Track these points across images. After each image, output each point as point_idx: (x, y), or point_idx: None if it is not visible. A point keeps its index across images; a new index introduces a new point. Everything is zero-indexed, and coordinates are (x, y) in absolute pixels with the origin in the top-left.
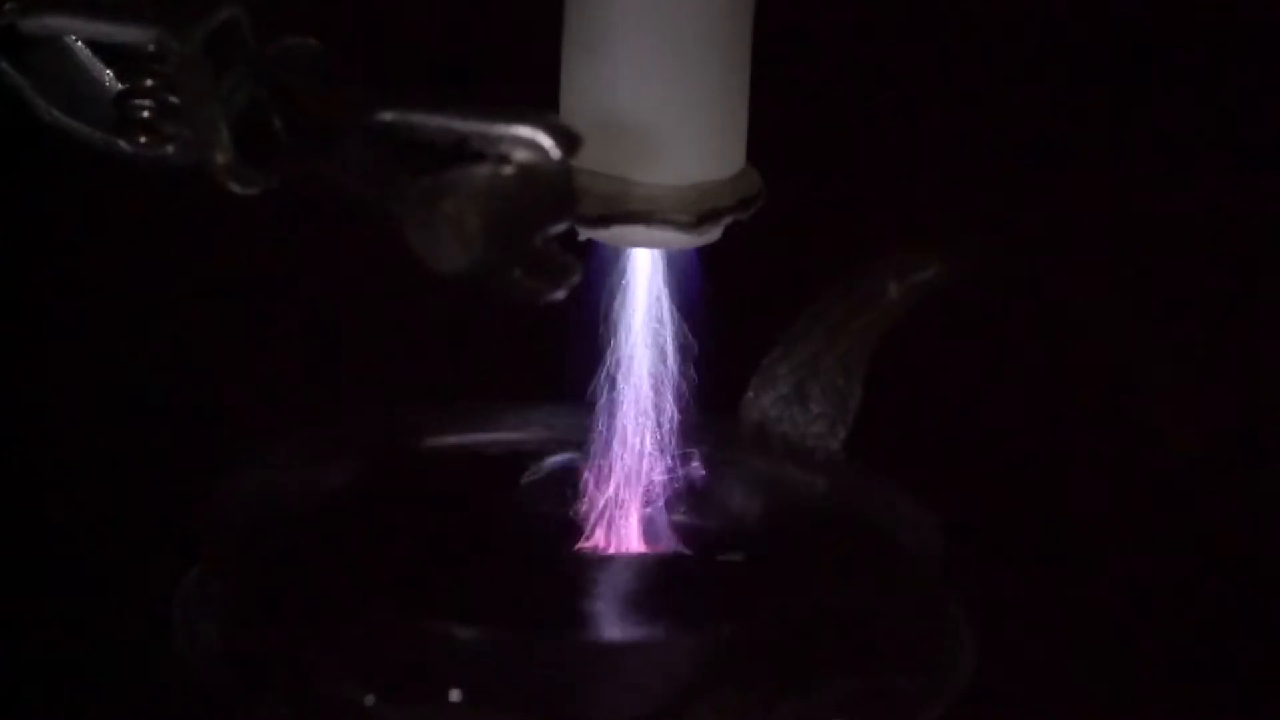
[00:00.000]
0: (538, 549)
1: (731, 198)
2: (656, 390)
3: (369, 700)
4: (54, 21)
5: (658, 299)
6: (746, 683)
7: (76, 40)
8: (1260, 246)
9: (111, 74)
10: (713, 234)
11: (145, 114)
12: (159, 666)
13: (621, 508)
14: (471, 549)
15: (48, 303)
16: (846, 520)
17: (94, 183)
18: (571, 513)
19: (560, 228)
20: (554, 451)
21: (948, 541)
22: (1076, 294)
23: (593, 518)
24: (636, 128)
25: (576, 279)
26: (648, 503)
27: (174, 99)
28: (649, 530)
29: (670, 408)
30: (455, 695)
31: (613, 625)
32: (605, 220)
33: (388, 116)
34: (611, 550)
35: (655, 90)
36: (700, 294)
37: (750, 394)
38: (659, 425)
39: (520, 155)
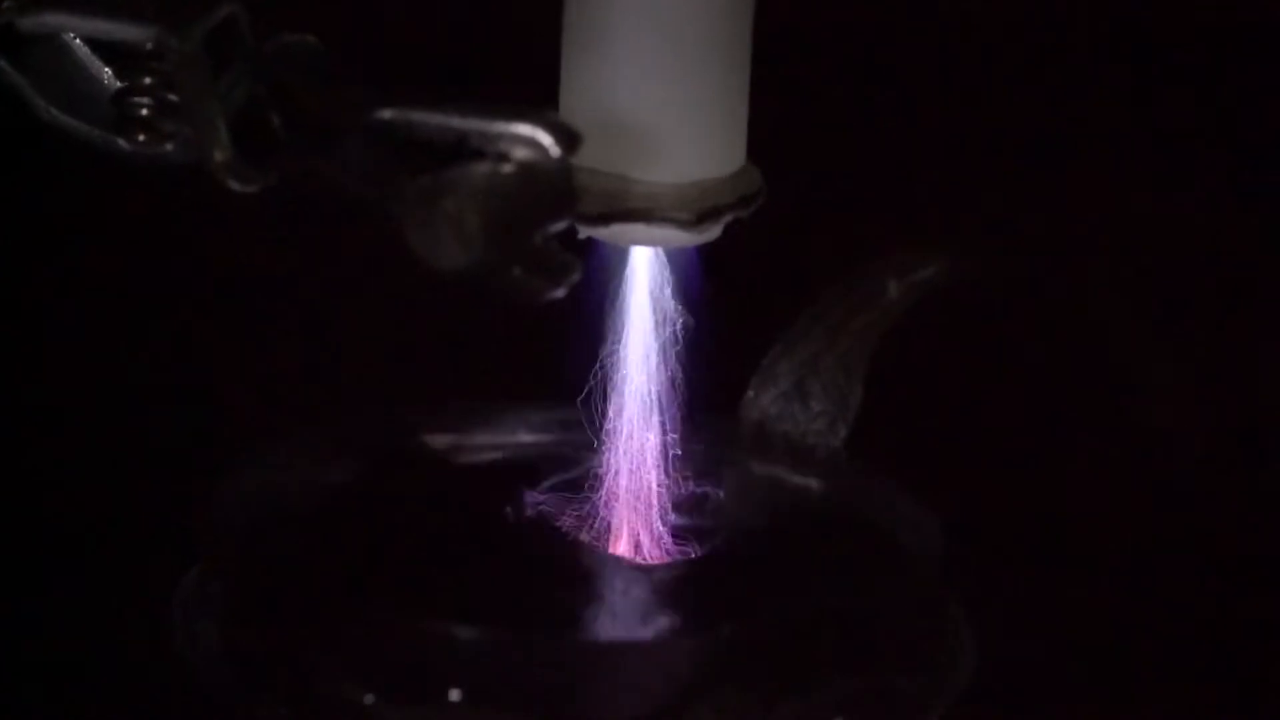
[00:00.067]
0: (538, 549)
1: (732, 195)
2: (657, 389)
3: (368, 699)
4: (52, 19)
5: (658, 297)
6: (746, 683)
7: (75, 38)
8: (1260, 246)
9: (110, 72)
10: (713, 232)
11: (144, 112)
12: (159, 666)
13: (621, 505)
14: (471, 549)
15: (48, 303)
16: (846, 520)
17: (94, 183)
18: (571, 512)
19: (560, 226)
20: (553, 451)
21: (948, 541)
22: (1076, 294)
23: (593, 516)
24: (636, 125)
25: (576, 277)
26: (648, 502)
27: (173, 97)
28: (649, 530)
29: (671, 406)
30: (455, 695)
31: (613, 625)
32: (605, 218)
33: (387, 114)
34: (612, 550)
35: (655, 88)
36: (700, 293)
37: (750, 393)
38: (659, 424)
39: (520, 153)
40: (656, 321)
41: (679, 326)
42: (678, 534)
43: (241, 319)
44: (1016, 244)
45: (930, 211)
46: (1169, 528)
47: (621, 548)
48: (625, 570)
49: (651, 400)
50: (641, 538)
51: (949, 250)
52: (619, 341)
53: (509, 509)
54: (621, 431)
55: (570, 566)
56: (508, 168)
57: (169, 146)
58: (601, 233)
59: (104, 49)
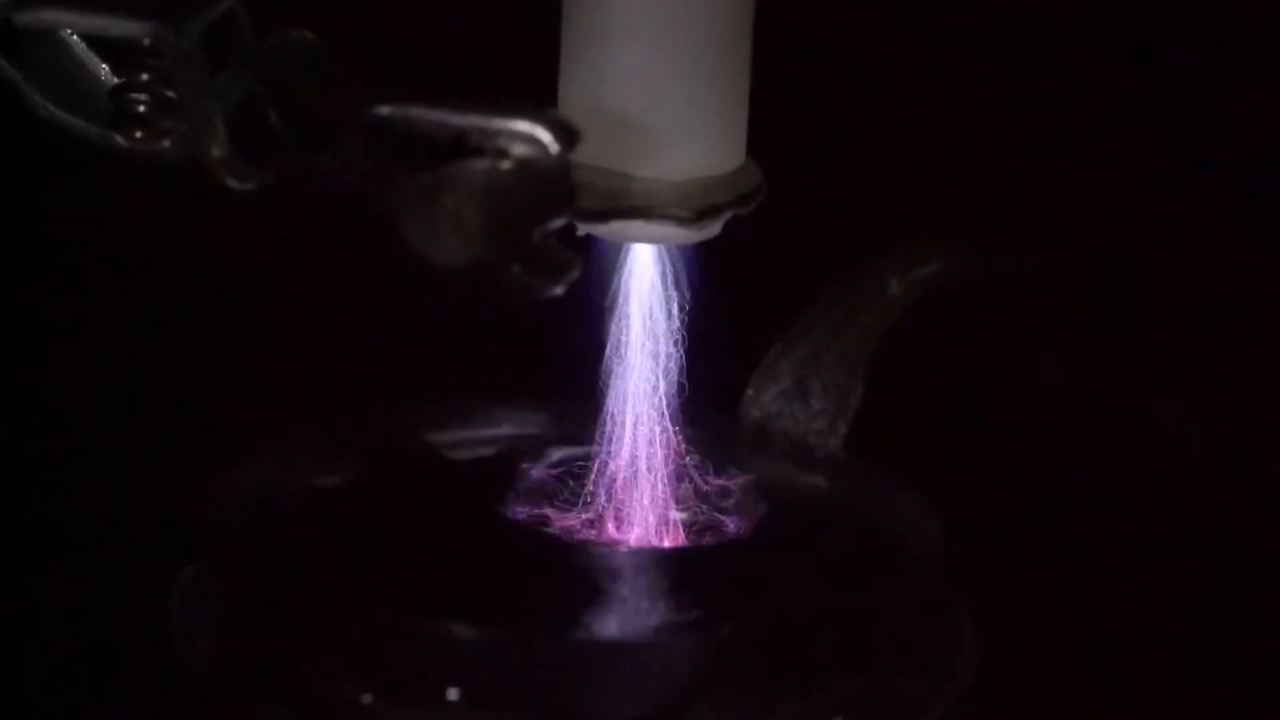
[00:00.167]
0: (538, 548)
1: (731, 193)
2: (656, 386)
3: (366, 699)
4: (49, 15)
5: (657, 295)
6: (746, 683)
7: (72, 34)
8: (1260, 246)
9: (107, 68)
10: (712, 229)
11: (141, 108)
12: (158, 666)
13: (621, 505)
14: (471, 549)
15: (48, 303)
16: (847, 520)
17: (94, 183)
18: (571, 511)
19: (559, 223)
20: (552, 449)
21: (948, 541)
22: (1076, 294)
23: (593, 515)
24: (636, 122)
25: (576, 274)
26: (648, 500)
27: (170, 93)
28: (649, 528)
29: (670, 404)
30: (453, 694)
31: (613, 625)
32: (604, 215)
33: (385, 111)
34: (611, 549)
35: (654, 84)
36: (700, 292)
37: (750, 391)
38: (659, 422)
39: (519, 150)
40: (656, 319)
41: (679, 330)
42: (678, 532)
43: (240, 318)
44: (1016, 244)
45: (930, 211)
46: (1169, 528)
47: (621, 546)
48: (625, 570)
49: (651, 398)
50: (642, 535)
51: (949, 249)
52: (619, 339)
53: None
54: (621, 429)
55: (570, 566)
56: (507, 164)
57: (166, 143)
58: (601, 230)
59: (101, 45)
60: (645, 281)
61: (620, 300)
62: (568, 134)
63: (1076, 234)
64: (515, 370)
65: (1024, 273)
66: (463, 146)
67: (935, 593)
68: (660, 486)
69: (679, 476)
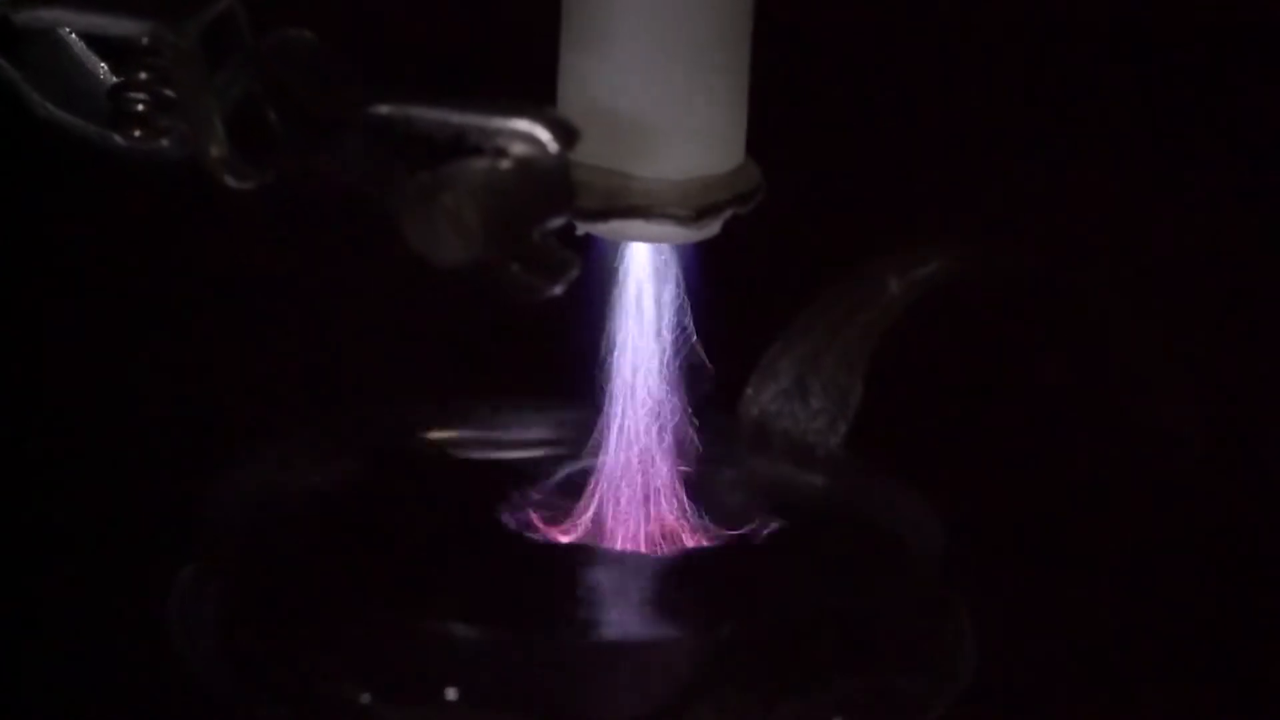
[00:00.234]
0: (538, 549)
1: (731, 192)
2: (655, 386)
3: (365, 699)
4: (48, 14)
5: (656, 294)
6: (746, 683)
7: (71, 33)
8: (1260, 246)
9: (106, 67)
10: (712, 228)
11: (140, 107)
12: (157, 666)
13: (621, 505)
14: (471, 549)
15: (48, 303)
16: (847, 520)
17: (94, 183)
18: (570, 511)
19: (558, 222)
20: (552, 449)
21: (948, 541)
22: (1077, 294)
23: (592, 515)
24: (635, 121)
25: (575, 274)
26: (648, 499)
27: (169, 92)
28: (649, 528)
29: (670, 404)
30: (451, 694)
31: (613, 625)
32: (603, 214)
33: (384, 110)
34: (611, 549)
35: (654, 83)
36: (700, 291)
37: (750, 390)
38: (658, 421)
39: (518, 149)
40: (655, 318)
41: (679, 330)
42: (677, 531)
43: (240, 318)
44: (1016, 244)
45: (930, 211)
46: (1169, 528)
47: (621, 546)
48: (625, 570)
49: (650, 397)
50: (641, 535)
51: (949, 249)
52: (618, 338)
53: (511, 499)
54: (620, 429)
55: (570, 566)
56: (506, 163)
57: (165, 142)
58: (600, 229)
59: (100, 44)
60: (644, 281)
61: (619, 299)
62: (567, 133)
63: (1076, 234)
64: (514, 370)
65: (1024, 273)
66: (462, 146)
67: (935, 593)
68: (659, 486)
69: (678, 475)
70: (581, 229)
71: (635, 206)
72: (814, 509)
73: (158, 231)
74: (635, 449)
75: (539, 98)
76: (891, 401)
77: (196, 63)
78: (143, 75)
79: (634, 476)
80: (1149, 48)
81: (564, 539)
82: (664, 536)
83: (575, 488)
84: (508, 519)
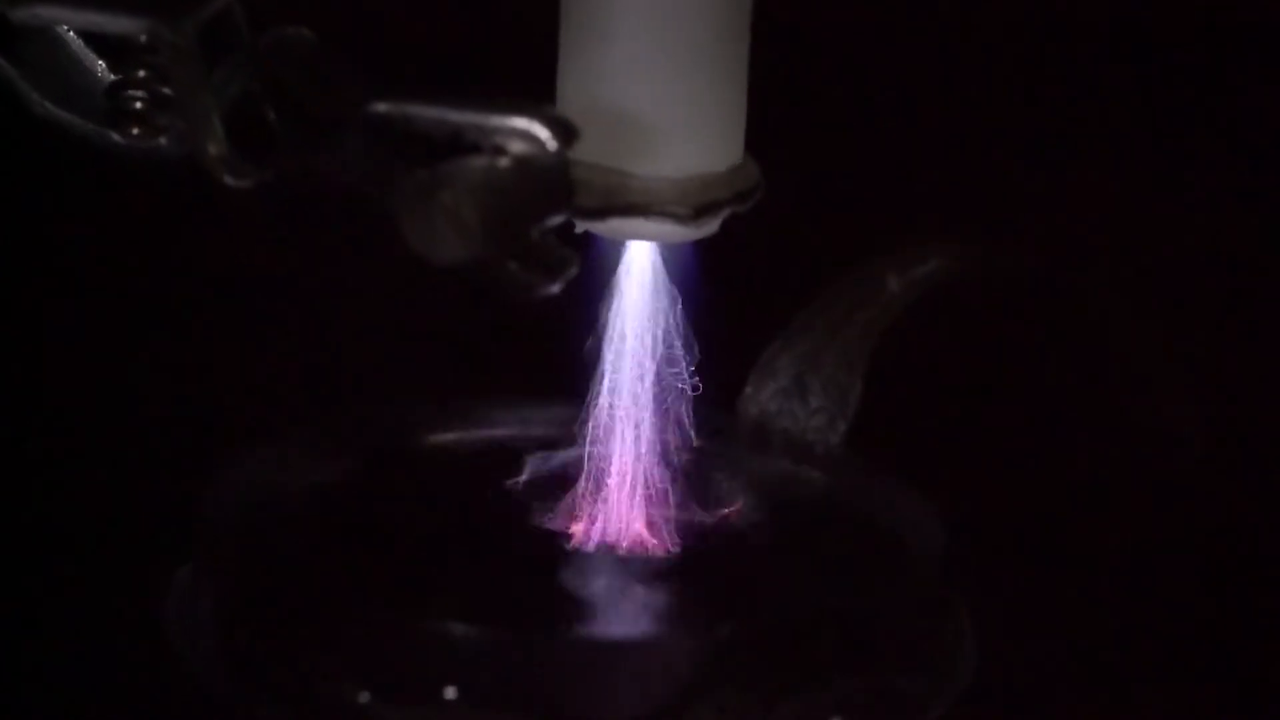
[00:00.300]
0: (538, 548)
1: (730, 190)
2: (654, 385)
3: (363, 698)
4: (45, 12)
5: (655, 292)
6: (746, 683)
7: (68, 31)
8: (1260, 246)
9: (104, 65)
10: (711, 226)
11: (138, 105)
12: (156, 666)
13: (620, 504)
14: (470, 548)
15: (48, 303)
16: (847, 519)
17: (94, 183)
18: (570, 509)
19: (557, 220)
20: (551, 447)
21: (949, 541)
22: (1077, 294)
23: (591, 514)
24: (633, 119)
25: (574, 272)
26: (647, 499)
27: (167, 90)
28: (648, 527)
29: (669, 403)
30: (450, 693)
31: (613, 625)
32: (602, 212)
33: (383, 108)
34: (610, 548)
35: (652, 81)
36: (699, 291)
37: (749, 388)
38: (657, 420)
39: (516, 147)
40: (654, 316)
41: (678, 328)
42: (677, 530)
43: (240, 318)
44: (1016, 244)
45: (930, 211)
46: (1169, 528)
47: (620, 545)
48: (625, 569)
49: (649, 396)
50: (641, 534)
51: (950, 247)
52: (616, 337)
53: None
54: (620, 427)
55: (569, 565)
56: (504, 162)
57: (163, 140)
58: (599, 227)
59: (98, 42)
60: (643, 279)
61: (618, 298)
62: (566, 131)
63: (1076, 234)
64: (513, 368)
65: (1024, 273)
66: (460, 144)
67: (935, 593)
68: (658, 485)
69: (677, 474)
70: (580, 227)
71: (634, 204)
72: (814, 509)
73: (158, 231)
74: (633, 446)
75: (538, 96)
76: (891, 401)
77: (194, 61)
78: (141, 73)
79: (632, 474)
80: (1149, 48)
81: (562, 537)
82: (662, 534)
83: (573, 485)
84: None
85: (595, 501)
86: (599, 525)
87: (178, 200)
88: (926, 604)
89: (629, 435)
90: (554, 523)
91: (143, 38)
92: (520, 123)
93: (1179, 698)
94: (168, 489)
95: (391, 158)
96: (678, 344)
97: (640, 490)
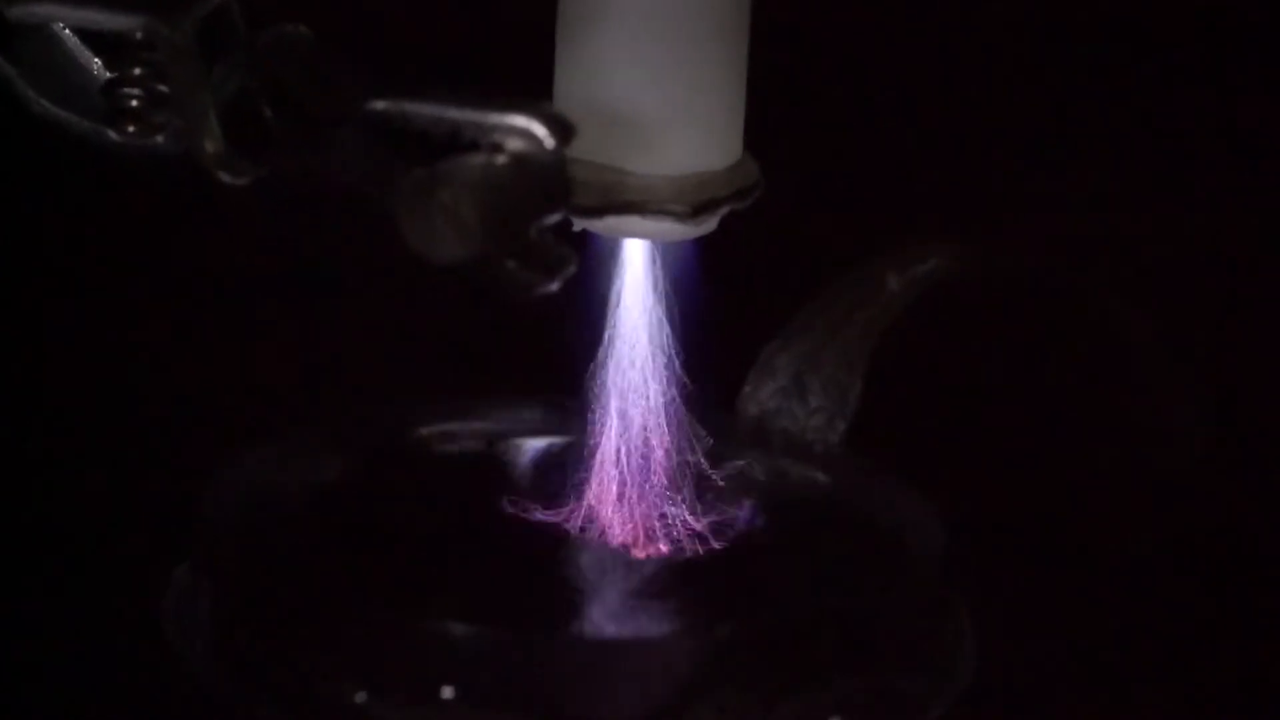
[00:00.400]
0: (537, 548)
1: (728, 188)
2: (653, 383)
3: (359, 697)
4: (42, 9)
5: (654, 291)
6: (746, 683)
7: (65, 28)
8: (1260, 246)
9: (100, 63)
10: (709, 224)
11: (134, 103)
12: (156, 666)
13: (618, 502)
14: (470, 548)
15: (48, 303)
16: (847, 519)
17: (94, 182)
18: (568, 509)
19: (555, 218)
20: (549, 448)
21: (949, 541)
22: (1077, 294)
23: (590, 514)
24: (632, 117)
25: (572, 270)
26: (646, 498)
27: (163, 88)
28: (648, 527)
29: (667, 401)
30: (447, 693)
31: (613, 624)
32: (600, 210)
33: (381, 106)
34: (610, 548)
35: (650, 79)
36: (698, 290)
37: (748, 387)
38: (656, 419)
39: (514, 145)
40: (652, 315)
41: (676, 327)
42: (676, 529)
43: (238, 317)
44: (1016, 244)
45: (930, 211)
46: (1169, 528)
47: (619, 544)
48: (625, 569)
49: (648, 394)
50: (640, 533)
51: (949, 246)
52: (614, 335)
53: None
54: (618, 426)
55: (569, 565)
56: (502, 159)
57: (160, 138)
58: (597, 225)
59: (94, 39)
60: (641, 277)
61: (616, 296)
62: (563, 129)
63: (1076, 234)
64: (512, 367)
65: (1024, 273)
66: (458, 142)
67: (935, 593)
68: (657, 483)
69: (676, 473)
70: (578, 225)
71: (632, 203)
72: (814, 509)
73: (158, 231)
74: (632, 445)
75: (535, 93)
76: (891, 401)
77: (191, 58)
78: (137, 71)
79: (631, 472)
80: (1149, 48)
81: (562, 536)
82: (661, 532)
83: (572, 484)
84: (513, 509)
85: (594, 501)
86: (598, 525)
87: (177, 200)
88: (926, 604)
89: (628, 434)
90: (553, 522)
91: (139, 35)
92: (518, 120)
93: (1179, 698)
94: (167, 489)
95: (389, 156)
96: (676, 343)
97: (640, 489)
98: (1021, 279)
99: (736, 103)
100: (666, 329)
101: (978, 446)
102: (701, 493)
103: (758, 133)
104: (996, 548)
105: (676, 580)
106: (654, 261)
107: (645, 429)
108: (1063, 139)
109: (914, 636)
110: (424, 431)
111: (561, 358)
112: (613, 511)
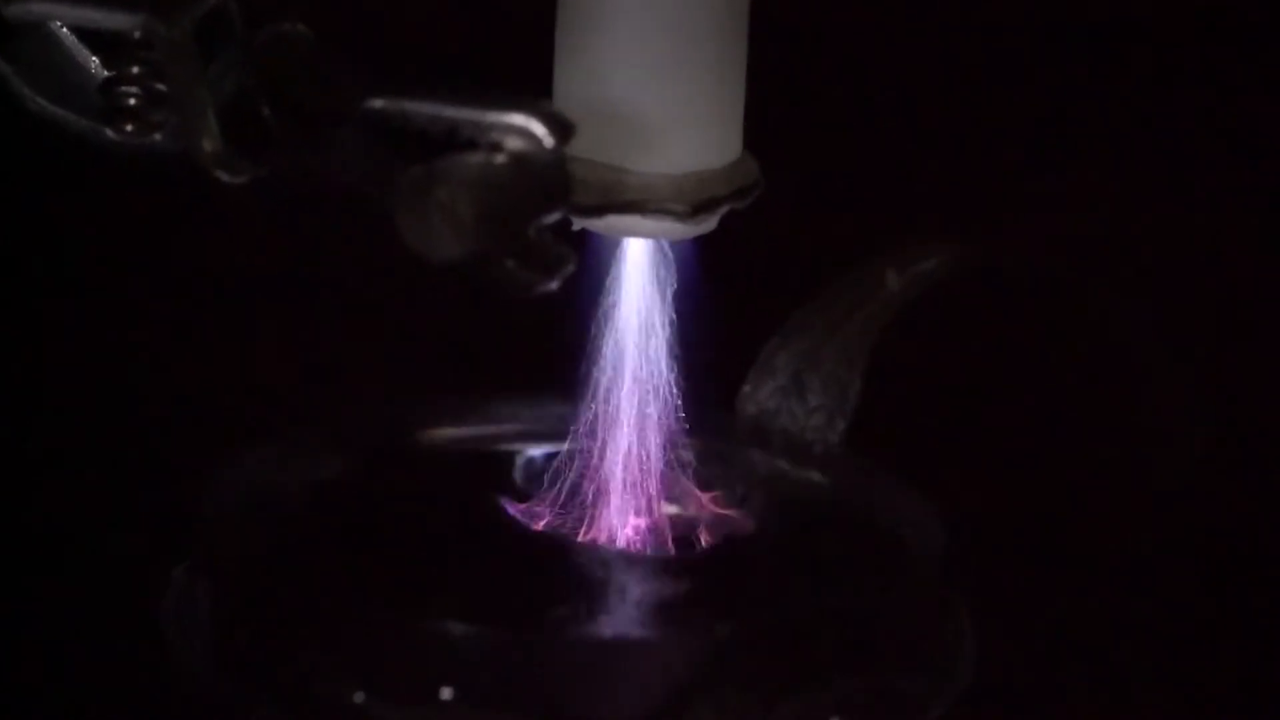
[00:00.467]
0: (537, 548)
1: (728, 186)
2: (652, 383)
3: (358, 698)
4: (39, 8)
5: (653, 290)
6: (746, 683)
7: (62, 27)
8: (1260, 246)
9: (98, 61)
10: (709, 223)
11: (132, 101)
12: (153, 666)
13: (619, 503)
14: (470, 548)
15: (48, 303)
16: (847, 519)
17: (94, 182)
18: (568, 509)
19: (553, 217)
20: (550, 446)
21: (948, 541)
22: (1077, 293)
23: (590, 514)
24: (631, 115)
25: (571, 269)
26: (646, 498)
27: (161, 86)
28: (647, 526)
29: (666, 401)
30: (446, 693)
31: (612, 624)
32: (599, 209)
33: (379, 104)
34: (610, 548)
35: (650, 77)
36: (698, 289)
37: (747, 387)
38: (654, 419)
39: (513, 143)
40: (651, 314)
41: (676, 326)
42: (675, 528)
43: (238, 317)
44: (1016, 244)
45: (930, 211)
46: (1169, 528)
47: (619, 544)
48: (625, 569)
49: (647, 394)
50: (639, 533)
51: (950, 244)
52: (614, 335)
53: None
54: (618, 425)
55: (569, 565)
56: (501, 158)
57: (157, 136)
58: (596, 224)
59: (92, 38)
60: (640, 276)
61: (615, 295)
62: (562, 128)
63: (1076, 234)
64: (510, 366)
65: (1024, 273)
66: (456, 140)
67: (935, 593)
68: (656, 483)
69: (675, 473)
70: (577, 224)
71: (631, 202)
72: (814, 509)
73: (158, 231)
74: (631, 444)
75: (535, 91)
76: (891, 401)
77: (189, 57)
78: (135, 69)
79: (631, 473)
80: (1149, 48)
81: (561, 536)
82: (661, 533)
83: (571, 483)
84: (512, 509)
85: (594, 501)
86: (598, 524)
87: (177, 200)
88: (926, 604)
89: (627, 434)
90: (553, 522)
91: (137, 34)
92: (517, 119)
93: (1179, 698)
94: (167, 489)
95: (388, 154)
96: (675, 342)
97: (639, 489)
98: (1021, 279)
99: (736, 101)
100: (666, 328)
101: (978, 446)
102: (701, 492)
103: (758, 133)
104: (996, 548)
105: (676, 580)
106: (653, 260)
107: (645, 429)
108: (1063, 139)
109: (914, 636)
110: (423, 432)
111: (561, 358)
112: (612, 512)
